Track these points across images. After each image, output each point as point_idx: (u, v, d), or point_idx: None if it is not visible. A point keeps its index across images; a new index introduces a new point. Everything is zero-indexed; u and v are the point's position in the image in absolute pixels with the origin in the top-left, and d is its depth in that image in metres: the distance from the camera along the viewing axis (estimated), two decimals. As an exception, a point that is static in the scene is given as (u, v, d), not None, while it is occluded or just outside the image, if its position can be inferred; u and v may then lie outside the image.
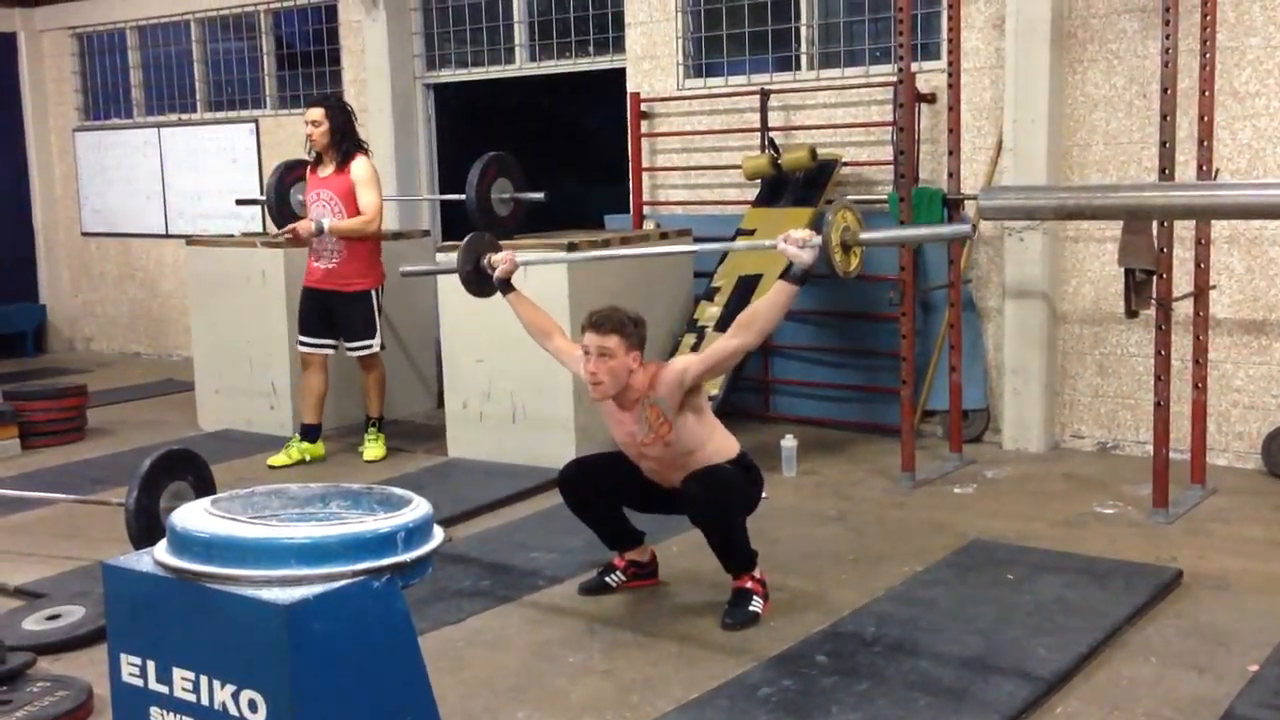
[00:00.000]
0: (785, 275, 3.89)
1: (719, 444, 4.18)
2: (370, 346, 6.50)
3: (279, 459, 6.49)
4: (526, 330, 4.57)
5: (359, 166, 6.35)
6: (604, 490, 4.33)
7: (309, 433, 6.57)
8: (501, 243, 6.35)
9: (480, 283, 4.73)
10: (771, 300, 3.94)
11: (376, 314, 6.51)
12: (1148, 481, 5.24)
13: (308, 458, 6.52)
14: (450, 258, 4.95)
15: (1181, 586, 4.33)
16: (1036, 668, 3.64)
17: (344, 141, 6.35)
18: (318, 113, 6.34)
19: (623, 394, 4.11)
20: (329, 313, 6.47)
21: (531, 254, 4.88)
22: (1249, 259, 5.86)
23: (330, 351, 6.57)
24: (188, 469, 4.87)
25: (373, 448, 6.59)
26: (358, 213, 6.33)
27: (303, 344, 6.56)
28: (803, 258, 3.82)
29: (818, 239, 3.80)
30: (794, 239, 3.84)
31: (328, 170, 6.40)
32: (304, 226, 6.29)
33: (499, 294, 4.65)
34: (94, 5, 10.39)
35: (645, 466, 4.23)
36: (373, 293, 6.50)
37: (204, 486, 4.83)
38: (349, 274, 6.41)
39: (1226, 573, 4.48)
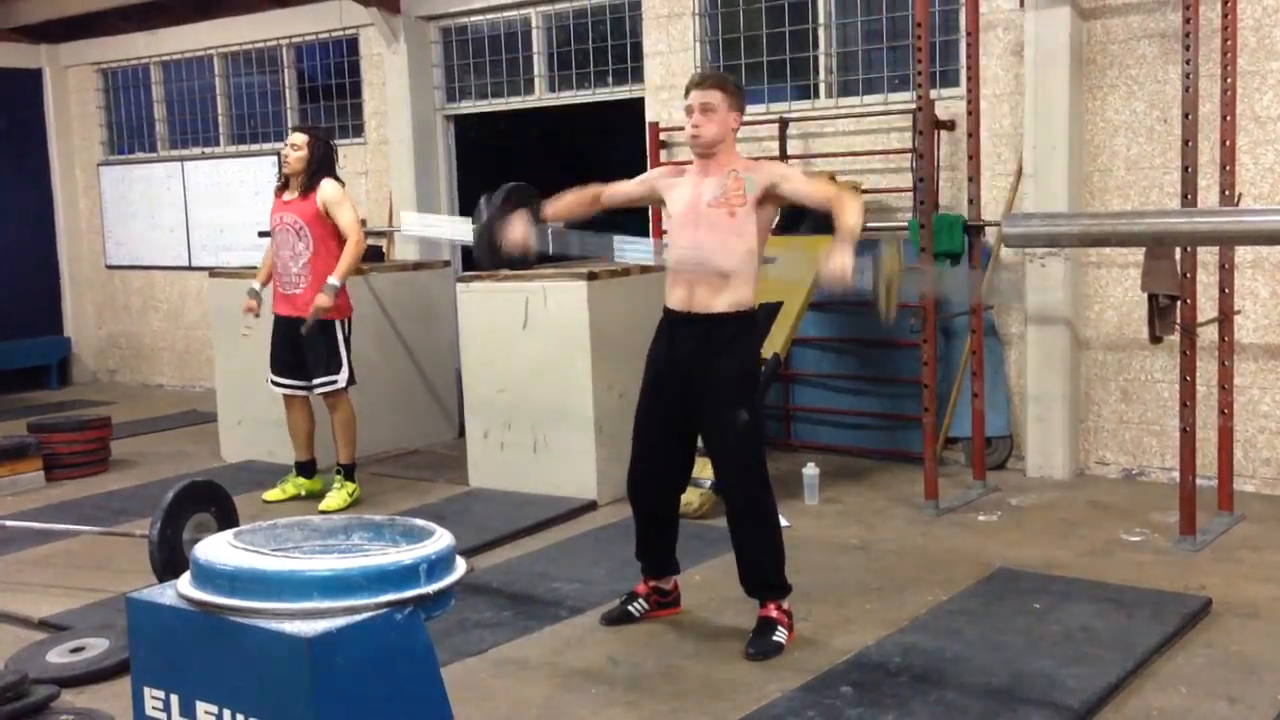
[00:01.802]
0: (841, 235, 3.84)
1: (750, 281, 4.10)
2: (335, 382, 6.12)
3: (274, 494, 6.38)
4: (582, 215, 4.47)
5: (328, 187, 6.08)
6: (666, 487, 4.30)
7: (303, 469, 6.43)
8: (521, 272, 6.42)
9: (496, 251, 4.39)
10: (845, 210, 3.88)
11: (343, 347, 6.13)
12: (1174, 508, 5.20)
13: (303, 492, 6.40)
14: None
15: (1211, 615, 4.29)
16: (1065, 698, 3.60)
17: (318, 172, 6.11)
18: (301, 138, 6.14)
19: (712, 159, 4.12)
20: (297, 348, 6.11)
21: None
22: (1274, 283, 5.83)
23: (304, 393, 6.27)
24: (211, 501, 4.88)
25: (334, 496, 6.20)
26: (326, 234, 6.06)
27: (274, 384, 6.31)
28: (839, 274, 3.79)
29: (864, 275, 3.81)
30: (838, 269, 3.75)
31: (293, 195, 6.15)
32: (322, 301, 5.94)
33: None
34: (118, 41, 10.52)
35: (685, 239, 4.10)
36: (337, 324, 6.12)
37: (227, 518, 4.85)
38: (312, 301, 6.02)
39: (1256, 601, 4.43)
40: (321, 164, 6.16)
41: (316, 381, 6.17)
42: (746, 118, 7.16)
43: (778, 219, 6.84)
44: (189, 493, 4.80)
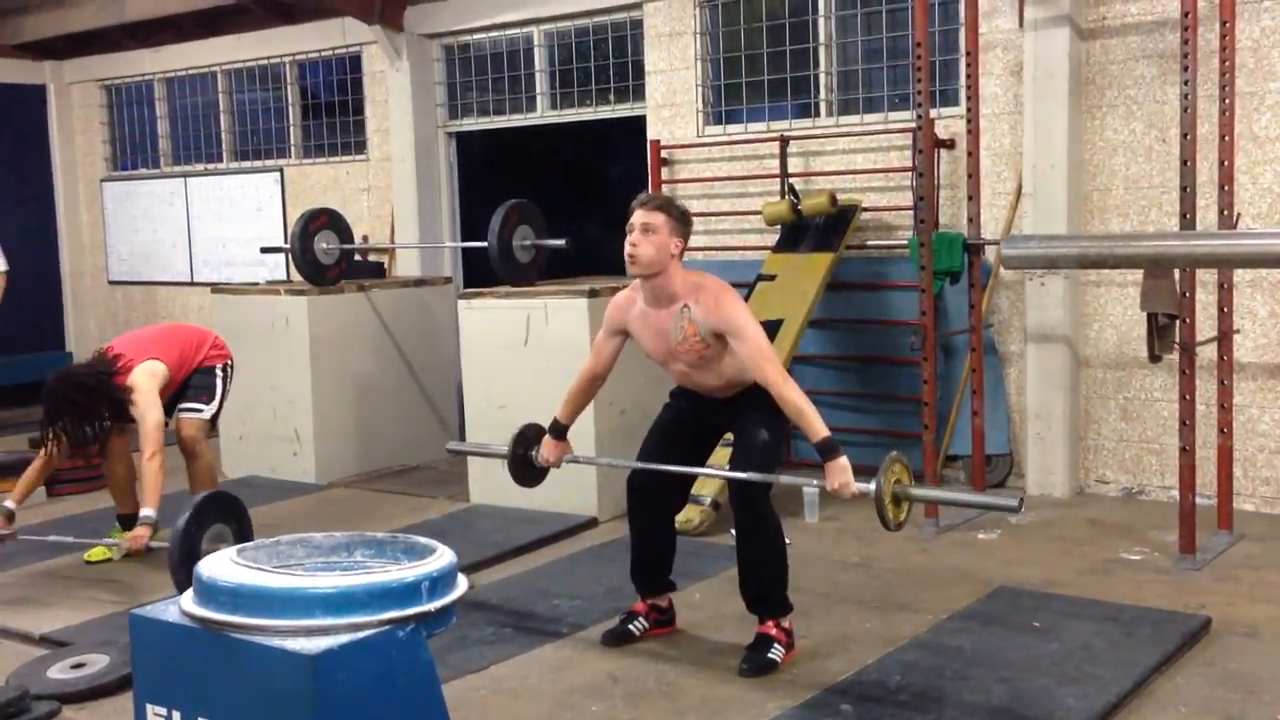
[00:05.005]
0: (822, 449, 3.90)
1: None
2: (199, 410, 5.63)
3: (96, 553, 5.64)
4: (589, 399, 4.55)
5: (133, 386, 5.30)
6: (667, 497, 4.35)
7: (126, 523, 5.74)
8: (523, 289, 6.45)
9: (528, 472, 4.64)
10: (805, 417, 3.90)
11: (220, 386, 5.72)
12: (1174, 527, 5.20)
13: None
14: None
15: (1210, 634, 4.29)
16: (1065, 717, 3.60)
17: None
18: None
19: (659, 288, 4.07)
20: None
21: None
22: (1272, 303, 5.84)
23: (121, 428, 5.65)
24: (228, 512, 4.91)
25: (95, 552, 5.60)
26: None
27: None
28: (844, 493, 3.89)
29: (867, 488, 3.81)
30: (842, 487, 3.87)
31: None
32: (144, 538, 5.09)
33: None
34: (122, 58, 10.56)
35: (676, 369, 4.20)
36: (218, 368, 5.75)
37: (243, 530, 4.88)
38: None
39: (1256, 620, 4.43)
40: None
41: (183, 406, 5.62)
42: (748, 137, 7.31)
43: (778, 236, 6.92)
44: (208, 504, 4.82)
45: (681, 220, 4.10)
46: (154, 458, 5.21)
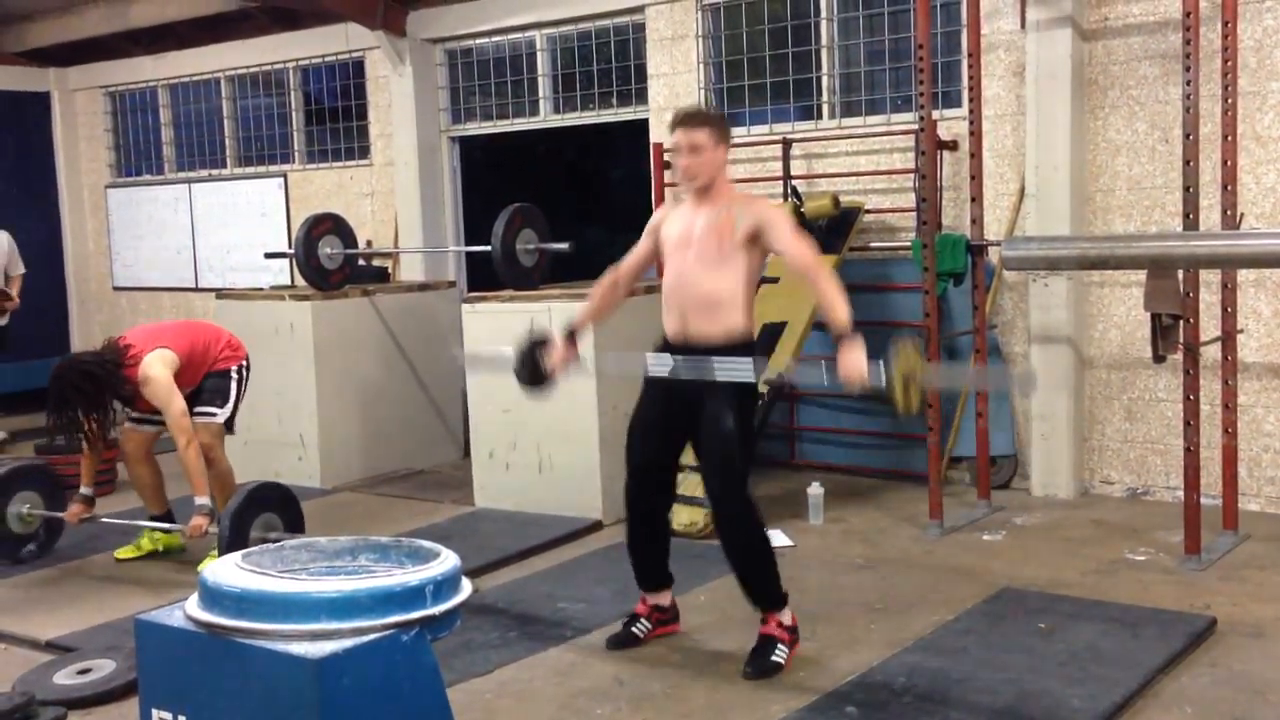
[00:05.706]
0: (839, 335, 3.88)
1: (745, 310, 4.11)
2: (213, 415, 5.59)
3: (127, 551, 5.74)
4: (611, 307, 4.48)
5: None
6: (656, 491, 4.31)
7: (159, 522, 5.77)
8: (527, 293, 6.45)
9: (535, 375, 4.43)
10: (833, 306, 3.91)
11: (234, 389, 5.68)
12: (1179, 528, 5.20)
13: (161, 547, 5.77)
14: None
15: (1215, 634, 4.28)
16: (1070, 718, 3.60)
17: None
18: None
19: (707, 196, 4.10)
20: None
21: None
22: (1276, 302, 5.84)
23: (149, 429, 5.71)
24: (277, 502, 4.99)
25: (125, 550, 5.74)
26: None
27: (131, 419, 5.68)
28: (853, 380, 3.86)
29: (879, 372, 3.79)
30: (852, 372, 3.85)
31: None
32: (202, 525, 5.19)
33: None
34: (126, 64, 10.59)
35: (674, 266, 4.12)
36: (233, 369, 5.70)
37: (293, 520, 4.95)
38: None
39: (1261, 620, 4.43)
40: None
41: (197, 410, 5.54)
42: (751, 139, 7.31)
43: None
44: (257, 494, 4.88)
45: (722, 127, 4.15)
46: (189, 446, 5.21)
